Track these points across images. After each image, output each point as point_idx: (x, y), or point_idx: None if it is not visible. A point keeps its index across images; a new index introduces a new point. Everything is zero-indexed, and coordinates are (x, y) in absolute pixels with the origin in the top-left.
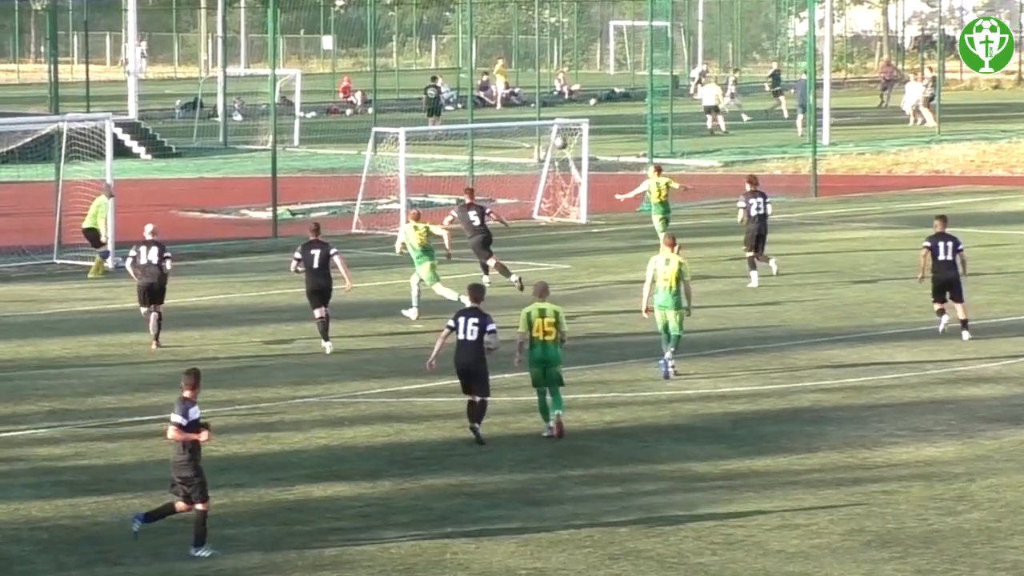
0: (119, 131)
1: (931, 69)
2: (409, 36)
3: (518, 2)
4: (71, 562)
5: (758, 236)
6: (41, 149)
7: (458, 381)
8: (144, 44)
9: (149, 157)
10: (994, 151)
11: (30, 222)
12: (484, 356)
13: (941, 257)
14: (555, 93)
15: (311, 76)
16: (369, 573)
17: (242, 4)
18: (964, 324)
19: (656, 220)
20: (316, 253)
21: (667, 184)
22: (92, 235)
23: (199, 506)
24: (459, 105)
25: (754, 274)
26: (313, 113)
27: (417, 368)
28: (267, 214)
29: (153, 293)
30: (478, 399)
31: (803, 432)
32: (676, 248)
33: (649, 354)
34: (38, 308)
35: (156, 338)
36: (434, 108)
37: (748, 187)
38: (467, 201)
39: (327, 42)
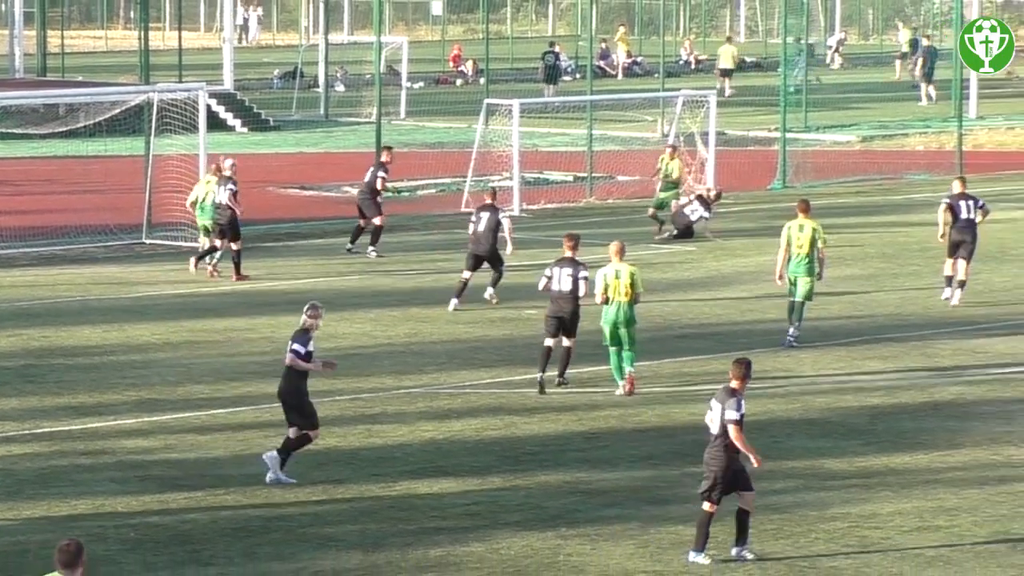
0: (213, 102)
1: None
2: (524, 1)
3: None
4: (160, 562)
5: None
6: (130, 121)
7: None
8: (260, 10)
9: (245, 130)
10: None
11: (118, 199)
12: (579, 304)
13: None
14: (681, 62)
15: (419, 44)
16: (477, 575)
17: None
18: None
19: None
20: (485, 216)
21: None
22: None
23: (707, 506)
24: (578, 75)
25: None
26: (421, 83)
27: (531, 357)
28: (358, 189)
29: (223, 232)
30: (565, 345)
31: (945, 428)
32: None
33: (779, 343)
34: (126, 291)
35: (238, 272)
36: (551, 76)
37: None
38: (383, 160)
39: (436, 7)
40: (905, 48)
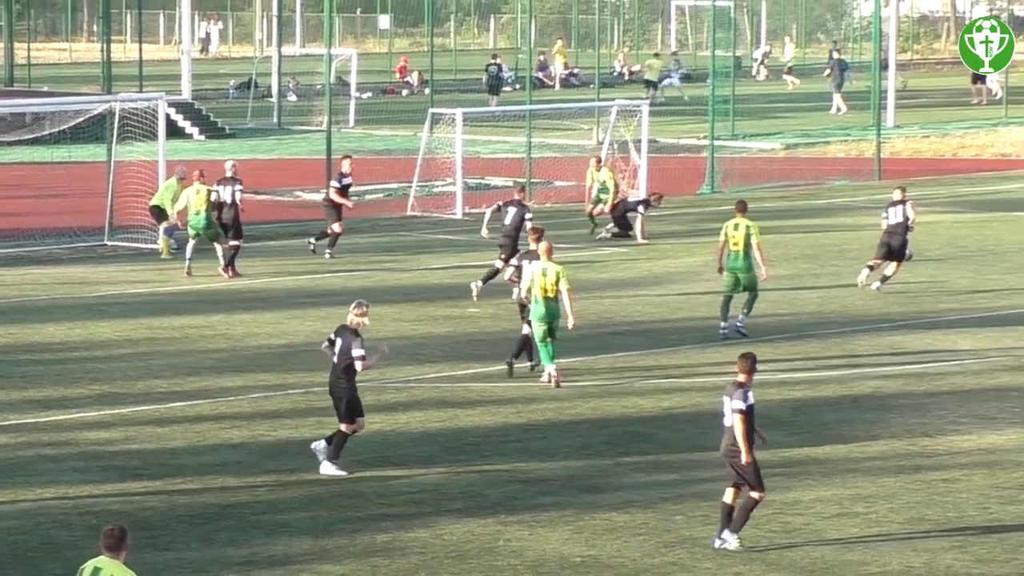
0: (172, 111)
1: None
2: (467, 15)
3: None
4: None
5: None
6: (93, 129)
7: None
8: (220, 24)
9: (202, 138)
10: None
11: (81, 203)
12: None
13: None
14: (615, 74)
15: (367, 56)
16: (421, 559)
17: None
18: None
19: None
20: (512, 211)
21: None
22: (157, 213)
23: (753, 494)
24: (517, 86)
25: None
26: (369, 94)
27: (472, 353)
28: (321, 196)
29: (227, 228)
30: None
31: (863, 419)
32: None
33: (708, 339)
34: (89, 290)
35: (229, 266)
36: (494, 86)
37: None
38: (344, 171)
39: (384, 21)
40: (792, 63)
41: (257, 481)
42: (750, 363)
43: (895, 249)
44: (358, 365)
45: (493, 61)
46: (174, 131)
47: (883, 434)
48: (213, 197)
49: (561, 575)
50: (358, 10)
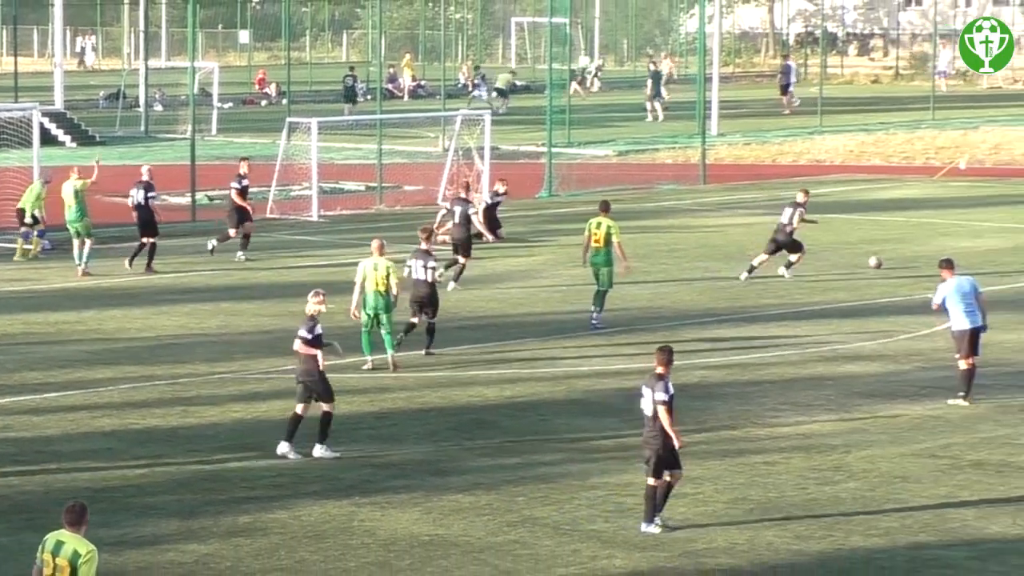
0: (46, 120)
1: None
2: (322, 31)
3: None
4: (0, 529)
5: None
6: None
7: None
8: (94, 38)
9: (74, 145)
10: (872, 142)
11: None
12: (434, 288)
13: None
14: (459, 85)
15: (228, 69)
16: (281, 539)
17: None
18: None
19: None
20: (458, 209)
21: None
22: (22, 215)
23: (669, 476)
24: (368, 97)
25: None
26: (230, 104)
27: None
28: (186, 199)
29: (143, 227)
30: (430, 322)
31: (691, 407)
32: (608, 214)
33: (547, 333)
34: None
35: (148, 265)
36: (350, 96)
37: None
38: (241, 172)
39: (244, 36)
40: (591, 71)
41: (127, 466)
42: (667, 355)
43: (783, 244)
44: (296, 343)
45: (350, 73)
46: (47, 139)
47: (709, 420)
48: (131, 202)
49: (411, 553)
50: (220, 26)
